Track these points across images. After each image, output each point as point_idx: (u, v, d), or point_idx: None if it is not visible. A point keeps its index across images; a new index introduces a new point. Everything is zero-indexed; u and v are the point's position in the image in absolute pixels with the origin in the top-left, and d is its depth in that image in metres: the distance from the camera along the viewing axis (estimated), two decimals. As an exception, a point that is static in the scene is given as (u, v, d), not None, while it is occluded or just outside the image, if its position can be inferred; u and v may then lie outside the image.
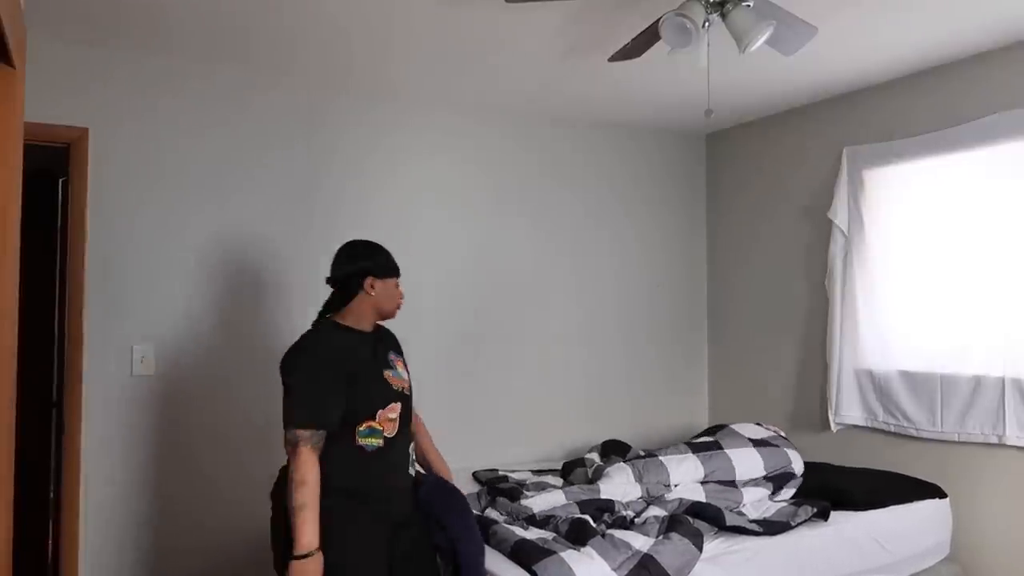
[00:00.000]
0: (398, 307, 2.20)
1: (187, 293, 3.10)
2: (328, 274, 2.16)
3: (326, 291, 2.19)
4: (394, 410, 2.07)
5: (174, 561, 3.04)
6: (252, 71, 3.23)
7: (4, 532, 1.43)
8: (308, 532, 1.86)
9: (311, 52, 3.02)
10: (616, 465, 3.04)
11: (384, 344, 2.20)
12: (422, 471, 2.36)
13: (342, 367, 2.00)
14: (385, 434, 2.04)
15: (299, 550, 1.85)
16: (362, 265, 2.11)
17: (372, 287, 2.10)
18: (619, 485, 2.92)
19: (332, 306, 2.16)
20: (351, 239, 2.20)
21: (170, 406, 3.06)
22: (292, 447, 1.93)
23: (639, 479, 2.94)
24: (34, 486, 3.39)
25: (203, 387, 3.12)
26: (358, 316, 2.12)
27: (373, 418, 2.01)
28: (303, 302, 3.32)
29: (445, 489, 2.31)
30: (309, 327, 2.12)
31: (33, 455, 3.32)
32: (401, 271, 2.21)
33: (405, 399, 2.13)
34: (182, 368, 3.09)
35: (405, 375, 2.20)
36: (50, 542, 3.45)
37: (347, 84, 3.41)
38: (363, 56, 3.07)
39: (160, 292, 3.05)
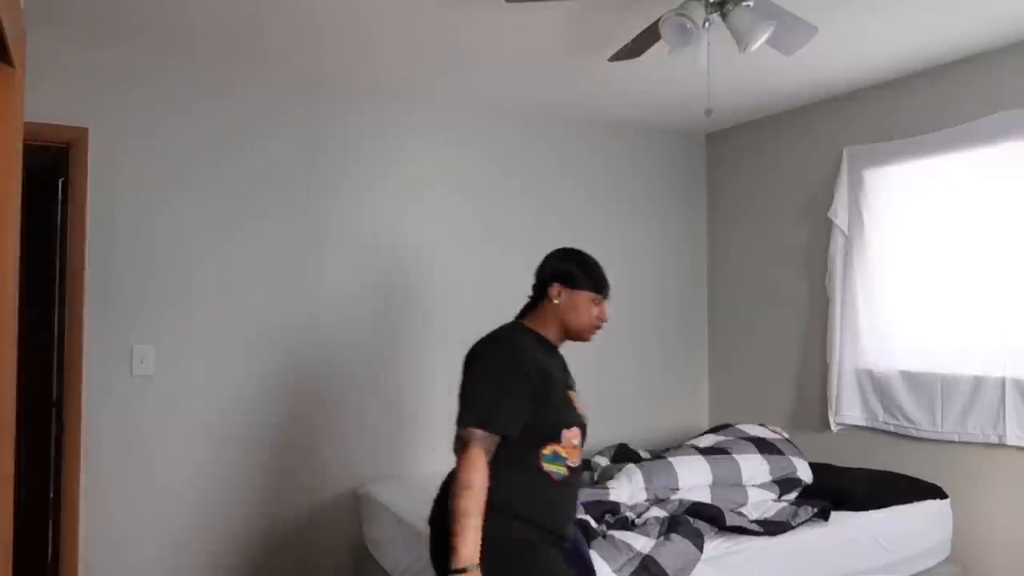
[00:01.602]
0: (590, 328, 1.94)
1: (187, 293, 3.10)
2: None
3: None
4: (577, 436, 1.85)
5: (174, 561, 3.04)
6: (252, 70, 3.23)
7: (4, 532, 1.43)
8: (469, 542, 1.61)
9: (311, 52, 3.02)
10: (626, 468, 3.04)
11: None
12: None
13: (532, 375, 1.78)
14: (569, 462, 1.82)
15: (458, 563, 1.60)
16: (551, 268, 1.92)
17: (558, 295, 1.89)
18: (627, 488, 2.91)
19: (524, 313, 1.97)
20: (562, 246, 2.01)
21: (170, 406, 3.06)
22: (462, 445, 1.70)
23: (648, 482, 2.94)
24: (34, 486, 3.39)
25: (203, 387, 3.12)
26: (543, 324, 1.91)
27: (558, 441, 1.78)
28: (303, 302, 3.33)
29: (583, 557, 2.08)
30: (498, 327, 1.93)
31: (33, 455, 3.32)
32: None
33: (584, 428, 1.91)
34: (182, 368, 3.09)
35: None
36: (50, 542, 3.45)
37: (347, 83, 3.41)
38: (363, 55, 3.07)
39: (160, 292, 3.05)
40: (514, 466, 1.73)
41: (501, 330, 1.88)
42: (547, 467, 1.77)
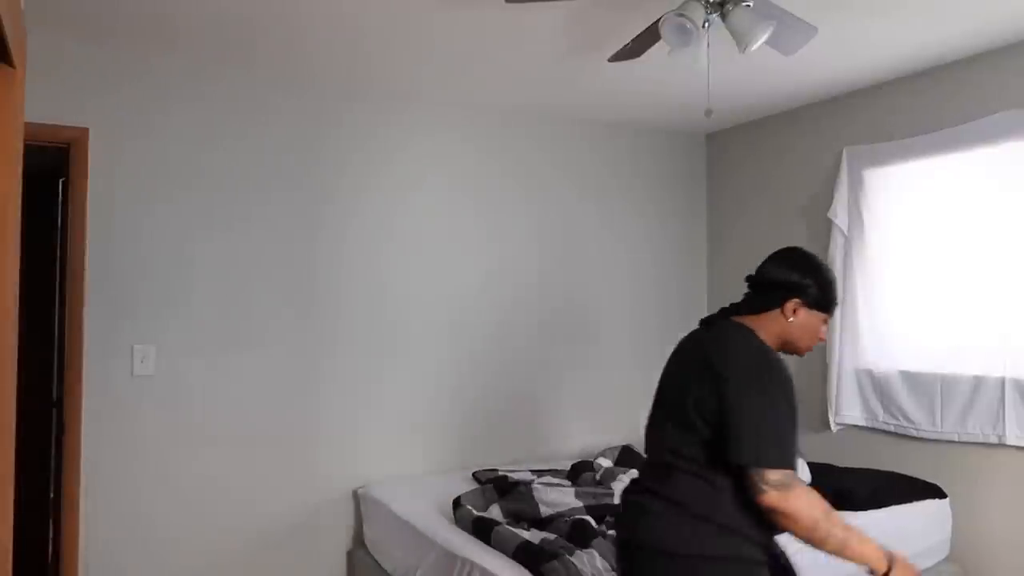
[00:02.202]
0: (809, 347, 1.80)
1: (187, 293, 3.10)
2: (752, 272, 1.83)
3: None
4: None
5: (174, 561, 3.04)
6: (252, 70, 3.23)
7: (4, 532, 1.43)
8: (868, 547, 1.55)
9: (311, 52, 3.02)
10: (629, 472, 3.04)
11: None
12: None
13: (793, 395, 1.64)
14: None
15: (879, 566, 1.56)
16: (795, 281, 1.73)
17: (794, 312, 1.73)
18: None
19: (739, 310, 1.80)
20: (792, 246, 1.86)
21: (170, 406, 3.06)
22: (783, 490, 1.52)
23: None
24: (34, 486, 3.39)
25: (203, 387, 3.12)
26: (764, 331, 1.73)
27: (794, 469, 1.60)
28: (303, 301, 3.33)
29: None
30: (725, 326, 1.76)
31: (33, 455, 3.31)
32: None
33: None
34: (182, 368, 3.09)
35: None
36: (50, 542, 3.45)
37: (346, 83, 3.41)
38: (363, 55, 3.07)
39: (160, 292, 3.05)
40: (740, 486, 1.59)
41: (752, 337, 1.71)
42: None
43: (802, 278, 1.74)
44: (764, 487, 1.53)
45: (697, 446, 1.63)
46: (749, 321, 1.75)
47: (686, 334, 1.86)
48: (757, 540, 1.62)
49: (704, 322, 1.83)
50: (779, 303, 1.73)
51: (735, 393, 1.59)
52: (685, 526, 1.61)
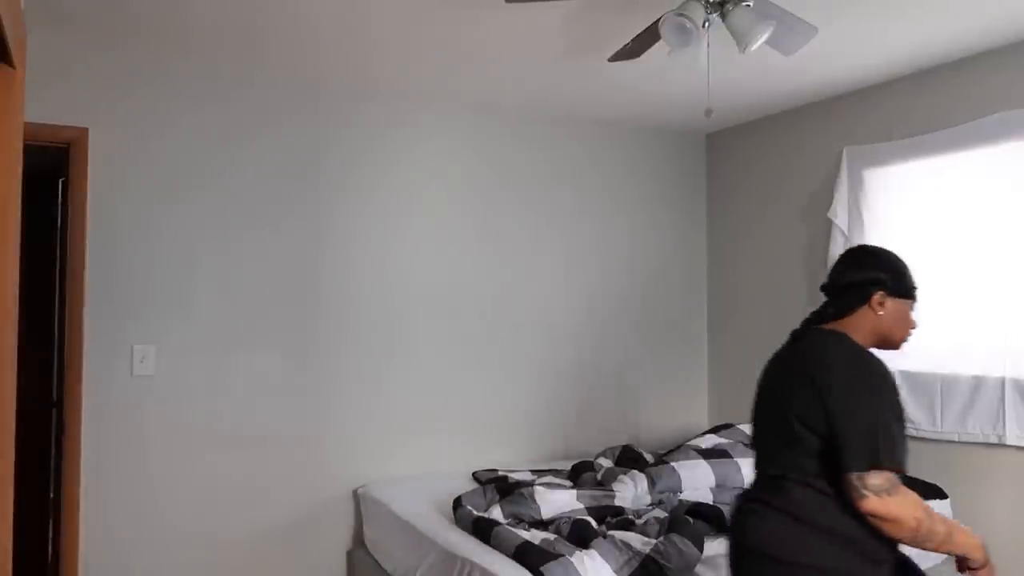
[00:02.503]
0: (905, 338, 1.81)
1: (187, 293, 3.10)
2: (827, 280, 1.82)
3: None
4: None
5: (174, 561, 3.04)
6: (253, 72, 3.23)
7: (4, 532, 1.43)
8: (971, 538, 1.59)
9: (311, 52, 3.02)
10: (631, 473, 3.04)
11: None
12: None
13: (895, 393, 1.64)
14: None
15: (976, 554, 1.62)
16: (873, 275, 1.74)
17: (881, 305, 1.72)
18: (631, 492, 2.91)
19: (824, 317, 1.79)
20: (862, 244, 1.85)
21: (170, 406, 3.06)
22: (886, 493, 1.51)
23: (651, 487, 2.94)
24: (34, 486, 3.39)
25: (203, 387, 3.12)
26: (856, 333, 1.73)
27: (900, 470, 1.58)
28: (303, 301, 3.33)
29: None
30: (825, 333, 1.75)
31: (33, 455, 3.32)
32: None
33: None
34: (182, 368, 3.09)
35: None
36: (50, 542, 3.45)
37: (347, 83, 3.42)
38: (363, 55, 3.07)
39: (160, 292, 3.05)
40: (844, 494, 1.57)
41: (846, 339, 1.71)
42: None
43: (878, 271, 1.75)
44: (864, 492, 1.52)
45: (806, 457, 1.63)
46: (839, 326, 1.75)
47: (775, 351, 1.85)
48: (874, 549, 1.59)
49: (793, 335, 1.83)
50: (865, 299, 1.73)
51: (837, 400, 1.58)
52: (796, 534, 1.61)
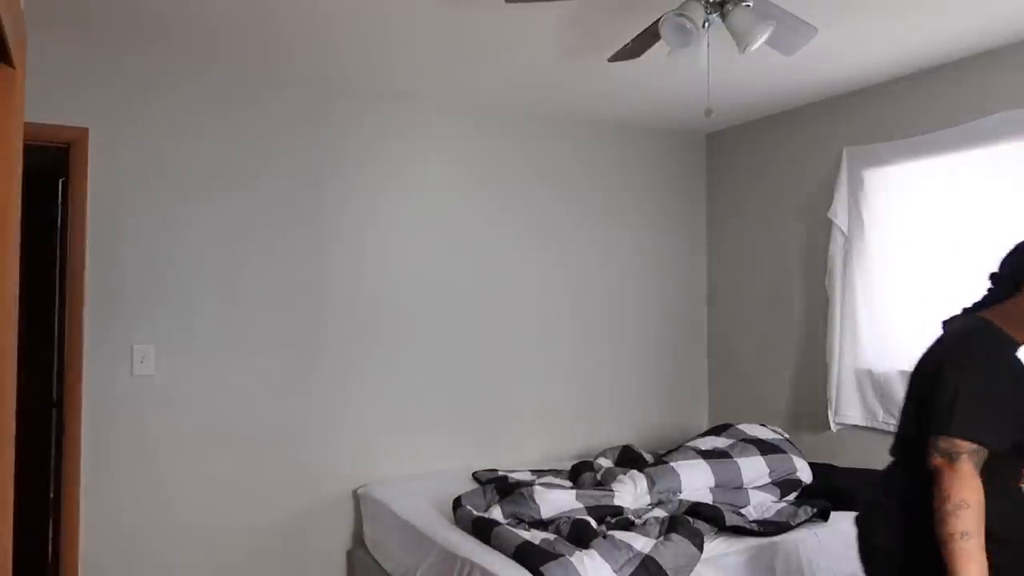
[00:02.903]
0: None
1: (187, 293, 3.10)
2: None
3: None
4: None
5: (174, 561, 3.04)
6: (252, 71, 3.23)
7: (4, 532, 1.43)
8: (974, 570, 1.48)
9: (311, 52, 3.02)
10: (630, 473, 3.04)
11: None
12: None
13: (1020, 384, 1.64)
14: None
15: None
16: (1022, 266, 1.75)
17: None
18: (631, 492, 2.91)
19: (981, 306, 1.82)
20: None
21: (170, 406, 3.06)
22: (947, 460, 1.54)
23: (651, 487, 2.94)
24: (34, 486, 3.39)
25: (203, 387, 3.13)
26: (1010, 323, 1.73)
27: (978, 443, 1.58)
28: (304, 301, 3.33)
29: None
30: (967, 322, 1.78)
31: (33, 455, 3.32)
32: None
33: None
34: (182, 368, 3.09)
35: None
36: (50, 542, 3.45)
37: (347, 84, 3.42)
38: (363, 56, 3.07)
39: (160, 292, 3.05)
40: (988, 487, 1.56)
41: (972, 330, 1.73)
42: None
43: None
44: (933, 452, 1.57)
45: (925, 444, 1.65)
46: (988, 313, 1.78)
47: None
48: (1007, 544, 1.57)
49: (944, 322, 1.89)
50: (1018, 287, 1.74)
51: (940, 376, 1.64)
52: (910, 525, 1.65)
